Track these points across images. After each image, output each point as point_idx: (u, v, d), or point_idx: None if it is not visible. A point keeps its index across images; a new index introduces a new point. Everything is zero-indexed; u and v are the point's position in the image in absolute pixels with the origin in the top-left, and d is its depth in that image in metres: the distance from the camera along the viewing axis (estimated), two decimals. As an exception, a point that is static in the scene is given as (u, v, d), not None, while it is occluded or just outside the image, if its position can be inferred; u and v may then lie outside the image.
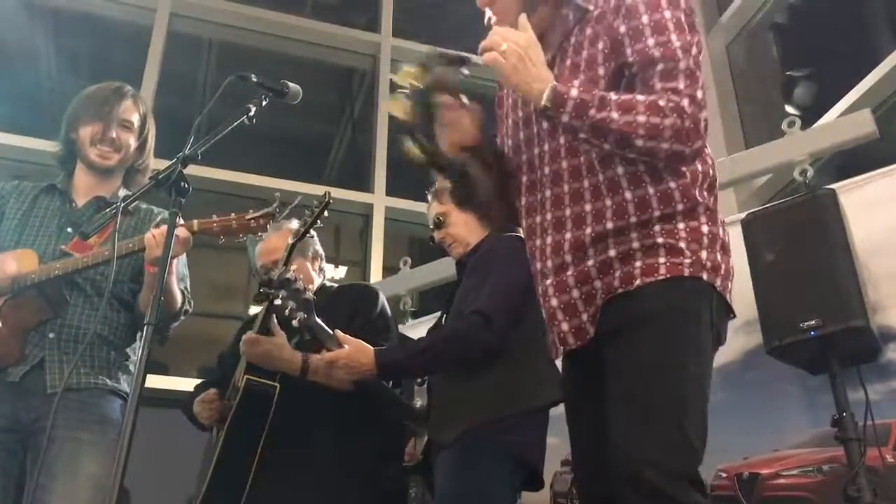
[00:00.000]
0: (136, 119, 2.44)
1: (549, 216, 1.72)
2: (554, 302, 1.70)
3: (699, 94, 1.59)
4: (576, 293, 1.65)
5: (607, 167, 1.65)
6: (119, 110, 2.39)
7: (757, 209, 3.00)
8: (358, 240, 5.86)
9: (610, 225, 1.63)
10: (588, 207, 1.66)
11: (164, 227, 1.99)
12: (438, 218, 2.57)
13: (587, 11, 1.71)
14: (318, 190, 5.64)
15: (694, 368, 1.56)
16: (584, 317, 1.65)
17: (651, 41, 1.61)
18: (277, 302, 2.29)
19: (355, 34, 6.51)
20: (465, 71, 1.72)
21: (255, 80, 2.02)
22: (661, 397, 1.52)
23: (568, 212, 1.69)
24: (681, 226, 1.61)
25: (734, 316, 1.72)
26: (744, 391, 2.98)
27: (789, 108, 5.02)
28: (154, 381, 4.31)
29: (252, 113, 1.97)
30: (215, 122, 1.96)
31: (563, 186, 1.70)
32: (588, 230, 1.65)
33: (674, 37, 1.61)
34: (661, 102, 1.56)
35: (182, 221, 2.08)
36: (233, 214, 2.18)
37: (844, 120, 3.61)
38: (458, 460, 2.20)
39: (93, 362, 2.24)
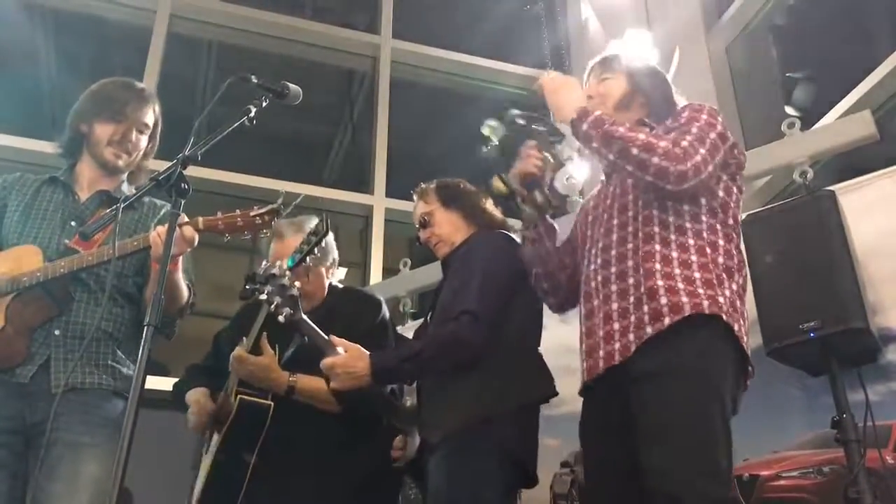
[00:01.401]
0: (152, 123, 2.45)
1: (599, 260, 2.03)
2: (601, 333, 1.95)
3: (702, 149, 1.89)
4: (616, 325, 1.92)
5: (647, 226, 1.97)
6: (141, 115, 2.40)
7: (756, 210, 3.00)
8: (358, 241, 5.87)
9: (642, 266, 1.91)
10: (629, 247, 1.97)
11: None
12: (424, 218, 2.57)
13: (653, 128, 2.09)
14: (318, 191, 5.67)
15: (719, 408, 1.80)
16: (617, 346, 1.89)
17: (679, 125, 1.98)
18: (263, 297, 2.29)
19: (355, 36, 6.51)
20: (542, 128, 2.19)
21: (255, 81, 2.02)
22: (696, 432, 1.75)
23: (613, 253, 2.00)
24: (697, 275, 1.88)
25: (753, 372, 1.95)
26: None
27: (789, 110, 5.01)
28: (155, 383, 4.30)
29: (252, 114, 1.98)
30: (215, 124, 1.96)
31: (613, 236, 2.03)
32: (630, 263, 1.95)
33: (696, 125, 1.95)
34: (662, 136, 1.91)
35: (186, 219, 2.08)
36: (237, 211, 2.17)
37: (844, 121, 3.61)
38: (451, 459, 2.19)
39: (97, 360, 2.23)
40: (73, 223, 2.30)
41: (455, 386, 2.27)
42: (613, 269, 1.98)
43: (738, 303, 1.92)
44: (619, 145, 1.88)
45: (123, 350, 2.30)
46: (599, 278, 2.01)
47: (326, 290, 2.70)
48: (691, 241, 1.92)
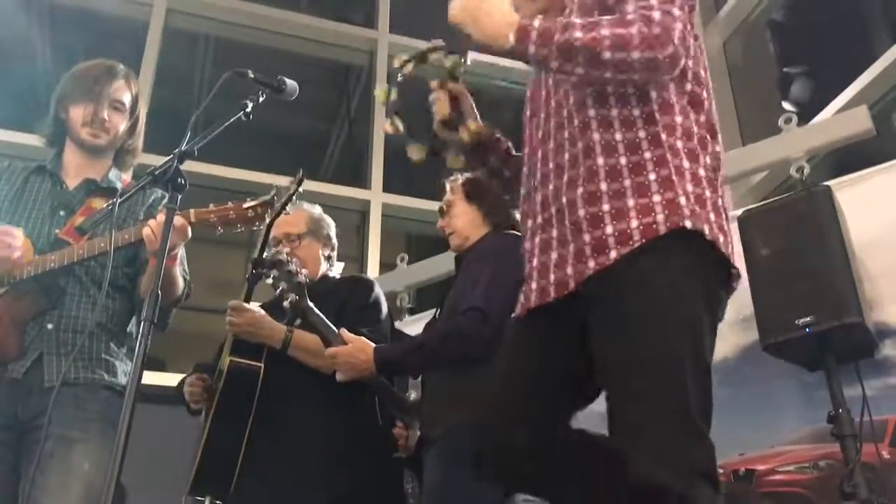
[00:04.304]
0: (127, 99, 2.39)
1: (538, 175, 1.71)
2: (535, 262, 1.67)
3: (675, 10, 1.53)
4: (554, 255, 1.61)
5: (581, 112, 1.63)
6: (110, 90, 2.35)
7: (753, 206, 3.00)
8: (355, 236, 5.86)
9: (582, 169, 1.59)
10: (566, 157, 1.63)
11: (161, 218, 1.98)
12: (444, 206, 2.59)
13: None
14: (314, 186, 5.66)
15: (691, 346, 1.47)
16: (552, 277, 1.60)
17: None
18: (269, 282, 2.29)
19: (352, 30, 6.50)
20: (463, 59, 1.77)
21: (251, 76, 2.01)
22: (661, 389, 1.43)
23: (551, 165, 1.67)
24: (651, 177, 1.54)
25: (738, 273, 1.62)
26: (740, 387, 2.99)
27: (786, 105, 5.02)
28: (151, 378, 4.30)
29: (249, 109, 1.97)
30: (212, 119, 1.95)
31: (549, 143, 1.69)
32: (565, 178, 1.62)
33: None
34: (629, 16, 1.52)
35: (178, 211, 2.06)
36: (230, 203, 2.15)
37: (841, 117, 3.62)
38: (446, 455, 2.19)
39: (90, 354, 2.21)
40: (62, 213, 2.28)
41: (457, 383, 2.28)
42: (551, 187, 1.65)
43: (707, 192, 1.57)
44: (584, 54, 1.49)
45: (116, 343, 2.29)
46: (539, 197, 1.69)
47: (321, 270, 2.68)
48: (642, 135, 1.57)
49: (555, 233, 1.63)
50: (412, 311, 4.38)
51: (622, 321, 1.48)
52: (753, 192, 4.70)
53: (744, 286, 2.70)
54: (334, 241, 2.77)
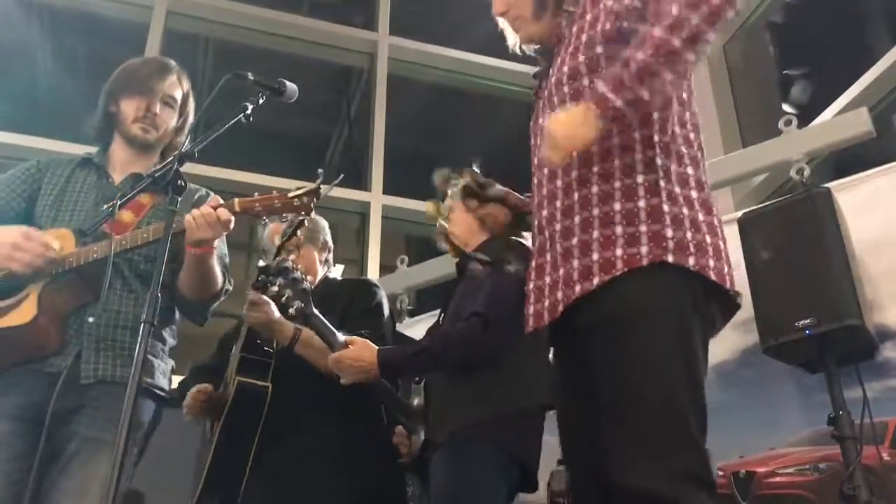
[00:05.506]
0: (179, 96, 2.39)
1: (535, 199, 1.82)
2: (531, 285, 1.80)
3: None
4: (548, 279, 1.72)
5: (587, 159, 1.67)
6: (163, 86, 2.35)
7: (753, 208, 3.00)
8: (355, 238, 5.86)
9: (576, 196, 1.66)
10: (559, 183, 1.72)
11: (206, 209, 1.98)
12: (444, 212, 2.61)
13: (572, 13, 1.84)
14: (315, 188, 5.67)
15: (682, 361, 1.52)
16: (546, 303, 1.71)
17: None
18: (274, 289, 2.30)
19: (353, 32, 6.50)
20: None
21: (252, 78, 2.01)
22: (655, 399, 1.49)
23: (545, 190, 1.77)
24: (641, 204, 1.58)
25: (734, 292, 1.66)
26: (740, 389, 2.99)
27: (786, 107, 5.02)
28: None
29: (249, 111, 1.97)
30: (212, 121, 1.95)
31: (544, 170, 1.78)
32: (558, 203, 1.71)
33: None
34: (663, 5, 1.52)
35: (222, 202, 2.05)
36: (275, 192, 2.13)
37: (841, 119, 3.61)
38: (451, 459, 2.20)
39: (131, 351, 2.13)
40: (105, 206, 2.27)
41: (460, 387, 2.29)
42: (545, 213, 1.75)
43: (697, 216, 1.60)
44: (661, 61, 1.48)
45: (157, 339, 2.25)
46: (535, 220, 1.79)
47: (319, 275, 2.69)
48: (639, 156, 1.61)
49: (548, 257, 1.72)
50: (412, 313, 4.38)
51: (611, 347, 1.54)
52: (753, 194, 4.70)
53: (744, 288, 2.71)
54: (330, 243, 2.79)
